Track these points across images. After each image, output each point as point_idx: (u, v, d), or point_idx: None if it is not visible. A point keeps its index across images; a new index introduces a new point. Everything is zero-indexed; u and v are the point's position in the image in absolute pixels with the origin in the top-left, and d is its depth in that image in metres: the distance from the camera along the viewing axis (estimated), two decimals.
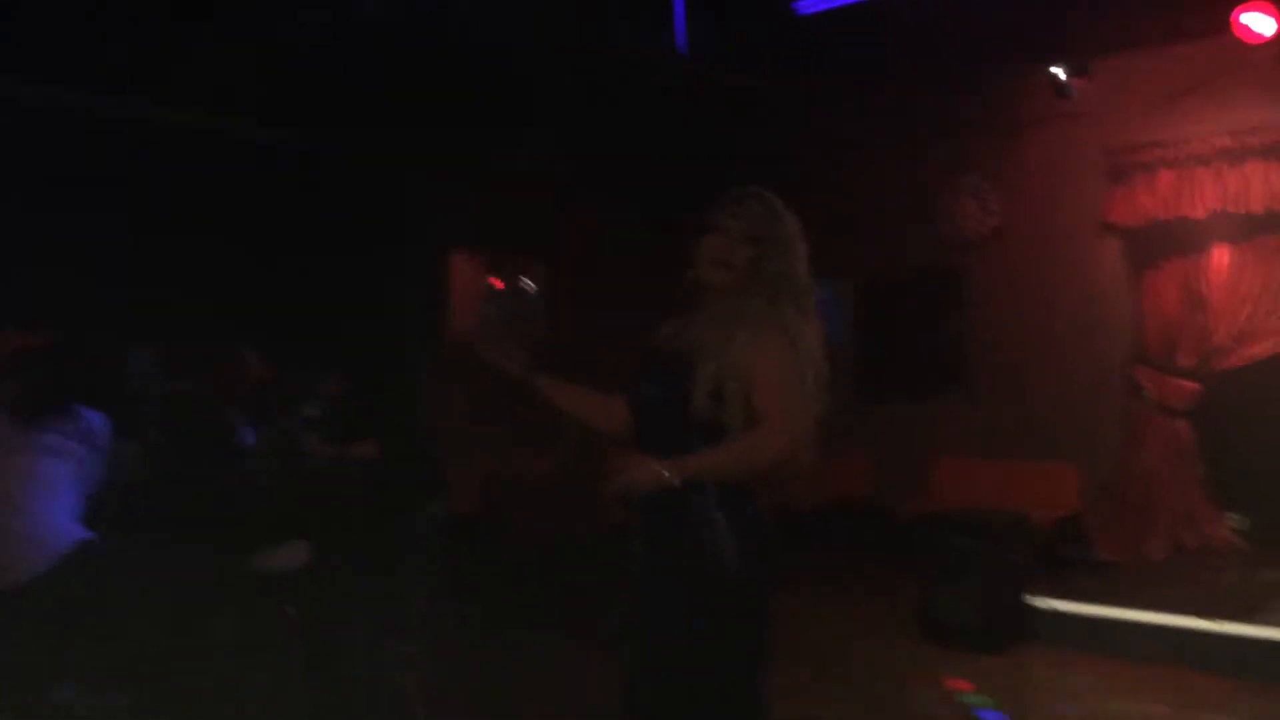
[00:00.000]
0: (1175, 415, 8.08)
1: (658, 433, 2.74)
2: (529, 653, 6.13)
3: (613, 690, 2.87)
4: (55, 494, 4.15)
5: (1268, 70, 7.49)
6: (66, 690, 4.07)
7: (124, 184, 6.84)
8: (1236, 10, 6.94)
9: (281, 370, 5.54)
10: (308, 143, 7.83)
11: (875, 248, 9.44)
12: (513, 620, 6.86)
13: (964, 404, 9.05)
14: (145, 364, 6.02)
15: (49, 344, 4.56)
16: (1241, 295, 7.80)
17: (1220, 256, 7.89)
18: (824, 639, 6.48)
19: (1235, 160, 7.76)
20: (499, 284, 9.57)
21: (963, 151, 8.97)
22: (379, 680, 4.83)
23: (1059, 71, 8.05)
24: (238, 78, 6.97)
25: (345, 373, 5.32)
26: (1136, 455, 8.20)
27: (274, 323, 6.63)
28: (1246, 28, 6.99)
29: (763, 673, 2.76)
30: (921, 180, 9.21)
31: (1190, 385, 8.02)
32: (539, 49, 6.46)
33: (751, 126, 9.42)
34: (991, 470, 8.53)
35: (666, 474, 2.63)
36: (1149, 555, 7.99)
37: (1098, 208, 8.39)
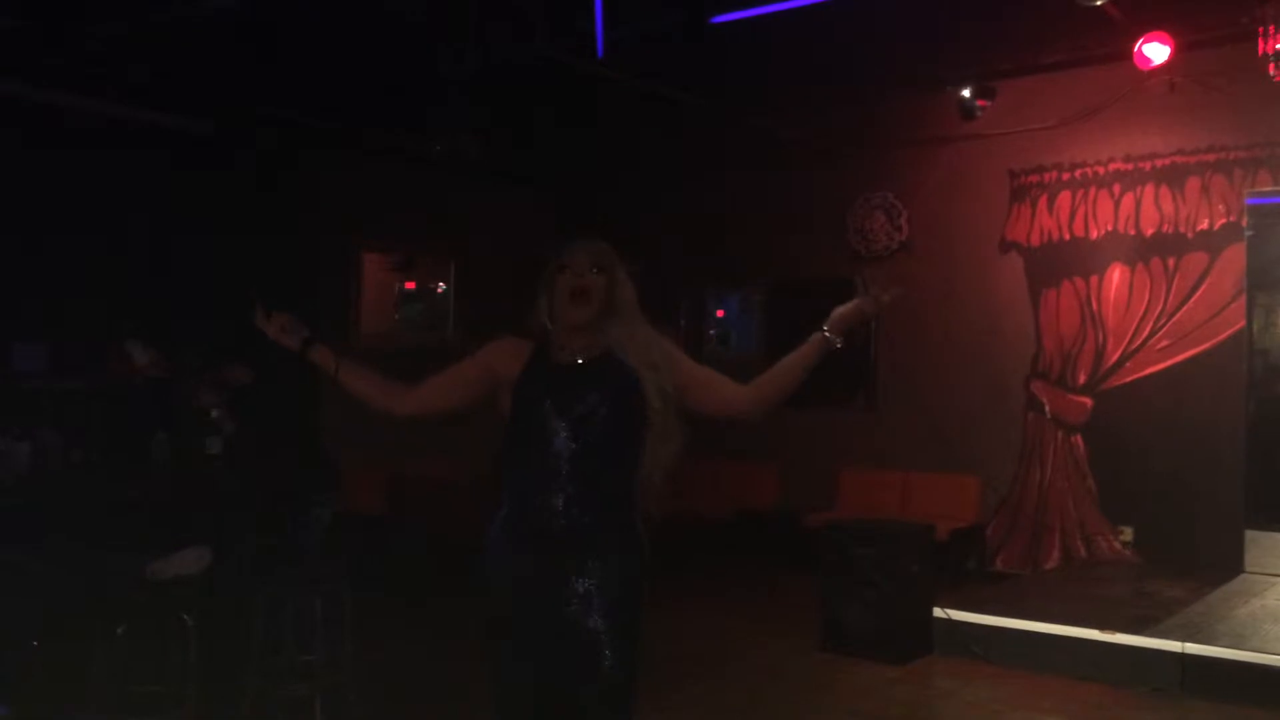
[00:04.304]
0: (1069, 429, 8.34)
1: (585, 439, 2.76)
2: (434, 661, 6.03)
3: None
4: None
5: (1162, 98, 7.80)
6: None
7: (10, 170, 6.53)
8: (1137, 40, 7.18)
9: (180, 362, 5.36)
10: (213, 129, 7.60)
11: (786, 257, 9.58)
12: (416, 627, 6.75)
13: (869, 415, 9.20)
14: (39, 360, 5.76)
15: None
16: (1133, 314, 8.08)
17: (1113, 276, 8.17)
18: (727, 649, 6.50)
19: (1130, 184, 8.09)
20: (411, 285, 9.44)
21: (874, 167, 9.14)
22: (278, 690, 4.70)
23: (965, 93, 8.25)
24: (130, 59, 6.71)
25: (251, 362, 5.17)
26: (1033, 468, 8.45)
27: (175, 313, 6.42)
28: (1144, 56, 7.24)
29: None
30: (834, 193, 9.35)
31: (1084, 400, 8.28)
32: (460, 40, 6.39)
33: (667, 133, 9.48)
34: (894, 481, 8.69)
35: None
36: (1043, 566, 8.23)
37: (1000, 226, 8.63)
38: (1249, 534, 7.28)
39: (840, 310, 2.92)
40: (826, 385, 9.38)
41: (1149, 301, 8.05)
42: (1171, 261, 7.94)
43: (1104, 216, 8.21)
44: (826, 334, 2.90)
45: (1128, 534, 8.01)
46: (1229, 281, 7.68)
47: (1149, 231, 8.02)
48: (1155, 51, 7.23)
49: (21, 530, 4.29)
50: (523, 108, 8.34)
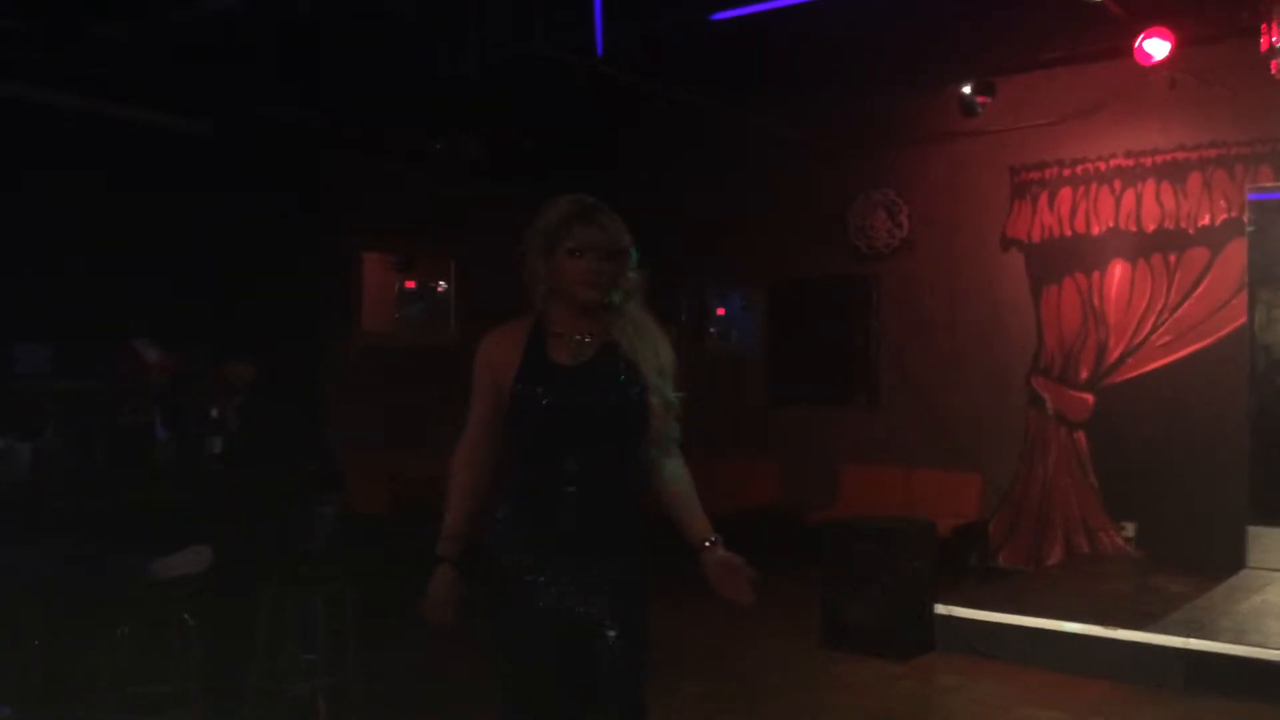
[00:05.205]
0: (1071, 426, 8.33)
1: (586, 437, 2.73)
2: (435, 661, 6.03)
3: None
4: None
5: (1162, 94, 7.77)
6: None
7: (12, 170, 6.53)
8: (1138, 35, 7.16)
9: (187, 359, 5.37)
10: (213, 129, 7.61)
11: (787, 255, 9.59)
12: (418, 627, 6.73)
13: (870, 411, 9.20)
14: (41, 361, 5.76)
15: None
16: (1134, 310, 8.07)
17: (1115, 273, 8.16)
18: (729, 646, 6.50)
19: (1131, 180, 8.08)
20: (411, 284, 9.44)
21: (875, 164, 9.13)
22: (280, 689, 4.71)
23: (966, 89, 8.23)
24: (130, 59, 6.70)
25: (255, 359, 5.17)
26: (1035, 464, 8.45)
27: (176, 313, 6.42)
28: (1145, 52, 7.22)
29: None
30: (834, 191, 9.35)
31: (1085, 396, 8.27)
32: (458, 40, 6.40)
33: (666, 132, 9.47)
34: (896, 477, 8.69)
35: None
36: (1045, 562, 8.23)
37: (1001, 222, 8.63)
38: (1251, 529, 7.27)
39: (725, 568, 2.97)
40: (828, 382, 9.51)
41: (1150, 297, 8.04)
42: (1173, 257, 7.92)
43: (1105, 213, 8.20)
44: (710, 545, 2.95)
45: (1130, 530, 8.00)
46: (1231, 277, 7.67)
47: (1150, 227, 8.01)
48: (1156, 48, 7.20)
49: (23, 531, 4.29)
50: (522, 107, 8.33)
